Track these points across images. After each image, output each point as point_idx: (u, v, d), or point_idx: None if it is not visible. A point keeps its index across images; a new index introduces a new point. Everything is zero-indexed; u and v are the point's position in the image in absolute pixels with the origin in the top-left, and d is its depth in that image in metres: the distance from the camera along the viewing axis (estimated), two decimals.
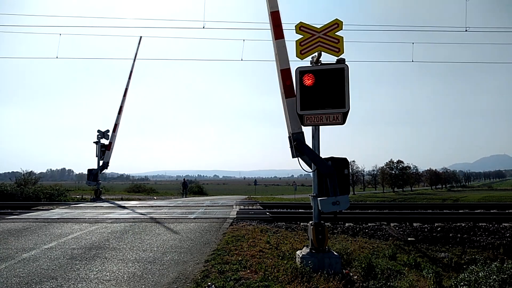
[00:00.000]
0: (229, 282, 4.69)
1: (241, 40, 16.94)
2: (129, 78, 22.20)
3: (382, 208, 15.63)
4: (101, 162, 21.18)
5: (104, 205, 15.95)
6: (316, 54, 5.98)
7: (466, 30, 15.48)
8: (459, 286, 5.66)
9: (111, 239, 7.58)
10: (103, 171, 21.79)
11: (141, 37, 22.42)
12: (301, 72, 5.86)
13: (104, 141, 21.16)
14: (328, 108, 5.76)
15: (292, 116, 5.98)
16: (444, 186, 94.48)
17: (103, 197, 21.51)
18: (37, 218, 10.75)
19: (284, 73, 6.20)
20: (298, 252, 6.05)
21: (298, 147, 5.80)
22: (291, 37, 6.32)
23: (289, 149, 6.04)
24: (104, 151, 21.12)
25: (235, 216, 11.14)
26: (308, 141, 6.01)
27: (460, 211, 14.47)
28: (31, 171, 28.04)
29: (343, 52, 5.83)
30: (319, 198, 5.54)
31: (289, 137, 5.99)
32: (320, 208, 5.52)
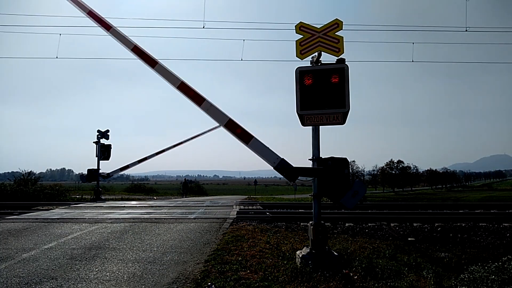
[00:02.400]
0: (229, 282, 4.69)
1: (241, 40, 16.93)
2: (190, 139, 23.81)
3: (382, 208, 15.63)
4: (101, 163, 21.15)
5: (104, 205, 15.95)
6: (316, 54, 5.97)
7: (466, 30, 15.47)
8: (459, 286, 5.66)
9: (111, 239, 7.58)
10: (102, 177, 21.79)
11: (218, 126, 22.56)
12: (301, 72, 5.86)
13: (104, 141, 21.14)
14: (328, 108, 5.75)
15: (263, 153, 6.03)
16: (444, 186, 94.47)
17: (103, 197, 21.51)
18: (37, 218, 10.75)
19: (230, 126, 6.28)
20: (298, 252, 6.04)
21: (290, 174, 5.83)
22: (291, 37, 6.35)
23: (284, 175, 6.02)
24: (104, 151, 21.10)
25: (235, 216, 11.14)
26: (308, 141, 6.02)
27: (460, 211, 14.46)
28: (31, 171, 27.99)
29: (343, 52, 5.83)
30: (341, 200, 5.52)
31: (275, 169, 5.98)
32: (347, 207, 5.53)
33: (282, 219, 11.13)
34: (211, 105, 6.44)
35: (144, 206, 15.45)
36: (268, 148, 6.06)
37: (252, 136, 6.11)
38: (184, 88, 6.65)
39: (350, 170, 6.19)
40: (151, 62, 6.93)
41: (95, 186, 21.17)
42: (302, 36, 6.00)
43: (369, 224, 10.80)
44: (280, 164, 5.86)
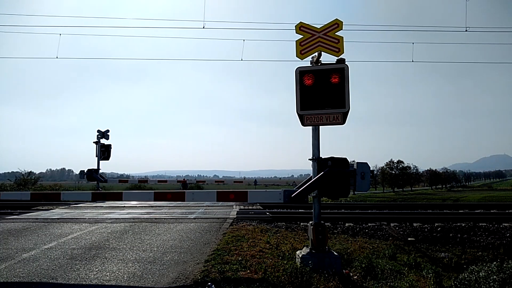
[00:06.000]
0: (229, 282, 4.69)
1: (241, 40, 16.94)
2: None
3: (382, 208, 15.63)
4: (101, 163, 21.15)
5: (104, 205, 15.95)
6: (316, 54, 5.98)
7: (466, 30, 15.46)
8: (459, 286, 5.66)
9: (111, 239, 7.58)
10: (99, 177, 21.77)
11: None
12: (301, 72, 5.86)
13: (104, 141, 21.14)
14: (328, 108, 5.75)
15: (266, 198, 6.75)
16: (444, 186, 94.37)
17: None
18: (37, 218, 10.75)
19: (221, 197, 6.71)
20: (298, 252, 6.05)
21: (297, 199, 5.96)
22: (291, 37, 6.34)
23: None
24: (104, 151, 21.11)
25: (235, 216, 11.14)
26: (309, 141, 6.03)
27: (460, 211, 14.47)
28: (30, 171, 27.97)
29: (343, 52, 5.83)
30: (356, 192, 5.68)
31: (284, 203, 6.41)
32: (364, 191, 5.72)
33: (282, 219, 11.13)
34: (193, 193, 6.98)
35: (144, 206, 15.45)
36: (266, 191, 6.55)
37: (246, 192, 6.45)
38: (161, 196, 7.20)
39: None
40: (118, 196, 7.51)
41: (95, 186, 21.15)
42: (302, 36, 5.99)
43: (369, 224, 10.80)
44: (286, 197, 6.06)
